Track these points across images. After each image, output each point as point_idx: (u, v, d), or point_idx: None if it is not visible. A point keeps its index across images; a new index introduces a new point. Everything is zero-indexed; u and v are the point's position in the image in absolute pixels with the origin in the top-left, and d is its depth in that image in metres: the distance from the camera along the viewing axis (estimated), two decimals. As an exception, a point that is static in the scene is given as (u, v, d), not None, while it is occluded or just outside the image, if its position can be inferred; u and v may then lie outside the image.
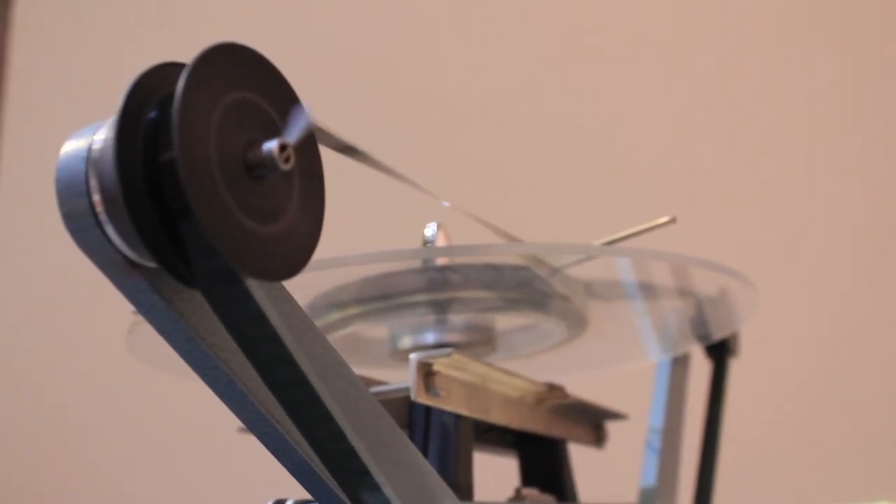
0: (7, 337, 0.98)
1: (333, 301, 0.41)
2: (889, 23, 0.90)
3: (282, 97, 0.24)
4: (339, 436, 0.25)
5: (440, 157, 0.92)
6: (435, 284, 0.40)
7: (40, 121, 1.03)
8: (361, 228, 0.82)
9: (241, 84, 0.23)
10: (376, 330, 0.44)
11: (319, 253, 0.35)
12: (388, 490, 0.27)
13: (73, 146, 0.23)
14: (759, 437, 0.79)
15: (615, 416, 0.46)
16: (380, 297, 0.40)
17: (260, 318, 0.23)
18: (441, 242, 0.41)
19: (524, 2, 0.97)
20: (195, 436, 0.88)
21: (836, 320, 0.84)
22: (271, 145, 0.23)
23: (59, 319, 0.97)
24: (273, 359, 0.23)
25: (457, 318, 0.42)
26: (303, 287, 0.39)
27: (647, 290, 0.43)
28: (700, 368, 0.50)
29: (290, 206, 0.24)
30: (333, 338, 0.43)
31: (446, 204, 0.39)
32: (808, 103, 0.89)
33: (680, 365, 0.48)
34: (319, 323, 0.42)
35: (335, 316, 0.42)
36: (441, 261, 0.39)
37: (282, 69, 0.25)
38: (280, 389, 0.24)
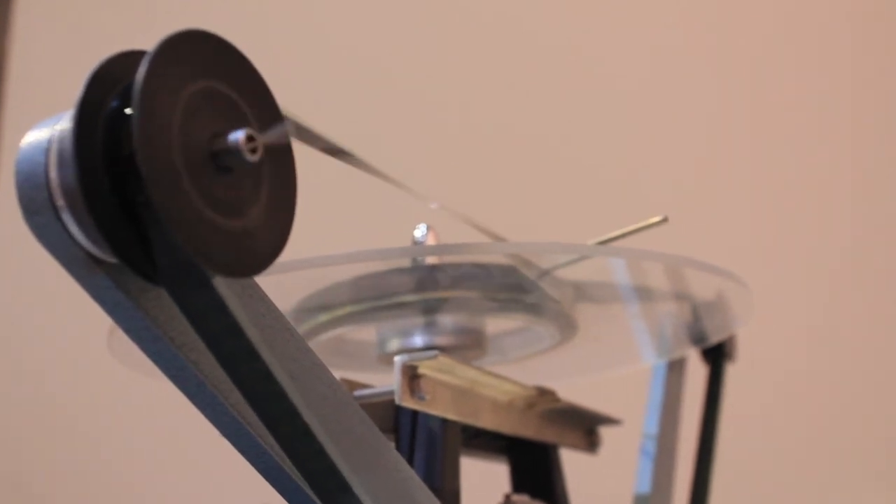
0: (6, 335, 0.98)
1: (321, 303, 0.40)
2: (874, 26, 0.89)
3: (251, 87, 0.23)
4: (312, 440, 0.24)
5: (431, 158, 0.91)
6: (423, 285, 0.39)
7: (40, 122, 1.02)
8: (350, 230, 0.81)
9: (208, 73, 0.22)
10: (364, 333, 0.44)
11: (306, 253, 0.34)
12: (365, 497, 0.26)
13: (33, 136, 0.22)
14: (756, 442, 0.78)
15: (609, 421, 0.45)
16: (367, 298, 0.39)
17: (225, 315, 0.22)
18: (430, 244, 0.41)
19: (516, 5, 0.96)
20: (178, 439, 0.87)
21: (833, 324, 0.83)
22: (237, 135, 0.22)
23: (55, 319, 0.96)
24: (241, 359, 0.22)
25: (446, 321, 0.41)
26: (289, 288, 0.38)
27: (641, 293, 0.42)
28: (696, 373, 0.49)
29: (259, 200, 0.23)
30: (321, 340, 0.42)
31: (434, 206, 0.38)
32: (801, 103, 0.89)
33: (675, 369, 0.47)
34: (307, 325, 0.41)
35: (323, 318, 0.41)
36: (430, 261, 0.38)
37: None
38: (249, 391, 0.23)
